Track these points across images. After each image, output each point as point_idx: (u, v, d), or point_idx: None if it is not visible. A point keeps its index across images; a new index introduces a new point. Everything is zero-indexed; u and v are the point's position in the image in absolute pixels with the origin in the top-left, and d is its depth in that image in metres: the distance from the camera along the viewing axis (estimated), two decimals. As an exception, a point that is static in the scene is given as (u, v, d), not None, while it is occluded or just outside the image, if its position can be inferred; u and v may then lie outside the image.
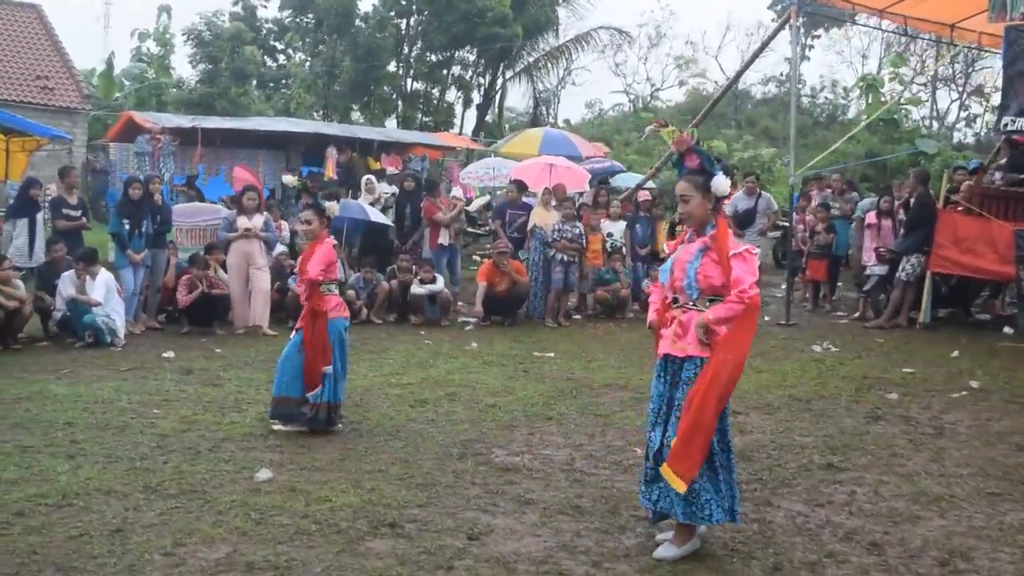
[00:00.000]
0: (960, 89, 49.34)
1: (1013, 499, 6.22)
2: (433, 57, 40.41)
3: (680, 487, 4.98)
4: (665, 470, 5.08)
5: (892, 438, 7.68)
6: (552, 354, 11.18)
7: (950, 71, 48.13)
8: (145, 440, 7.33)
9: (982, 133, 47.26)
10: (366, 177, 16.27)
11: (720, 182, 5.21)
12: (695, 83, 55.41)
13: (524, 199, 15.15)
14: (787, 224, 15.93)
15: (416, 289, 13.38)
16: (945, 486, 6.48)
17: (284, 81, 43.11)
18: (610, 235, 14.47)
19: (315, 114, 39.23)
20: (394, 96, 41.25)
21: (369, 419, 8.15)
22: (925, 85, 48.88)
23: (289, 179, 9.37)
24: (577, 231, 13.71)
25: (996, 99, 30.14)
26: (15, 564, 4.90)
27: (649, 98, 56.62)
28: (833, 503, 6.13)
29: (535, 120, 44.42)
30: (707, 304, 5.14)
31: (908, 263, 13.10)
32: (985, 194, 13.35)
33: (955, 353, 11.25)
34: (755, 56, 15.44)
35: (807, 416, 8.38)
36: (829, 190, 16.32)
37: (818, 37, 52.06)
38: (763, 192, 15.78)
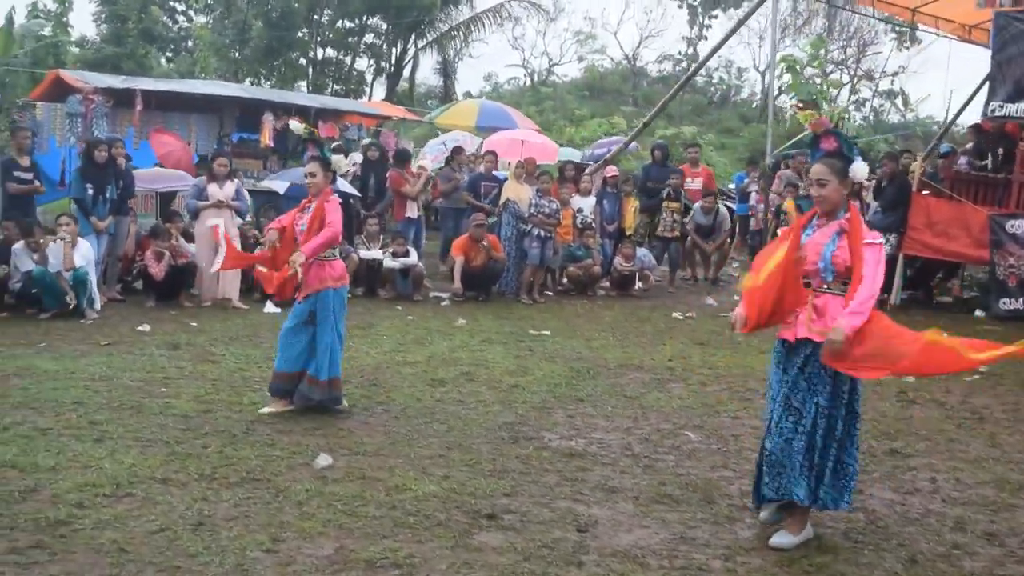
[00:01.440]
0: (851, 73, 50.19)
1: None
2: (346, 24, 39.56)
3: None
4: None
5: (938, 423, 7.62)
6: (547, 332, 10.89)
7: (843, 55, 49.10)
8: (170, 422, 6.84)
9: (871, 117, 48.44)
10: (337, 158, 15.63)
11: (859, 168, 5.11)
12: (593, 59, 55.31)
13: (494, 172, 14.77)
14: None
15: (389, 263, 12.94)
16: (1020, 472, 6.41)
17: (185, 44, 41.69)
18: (580, 211, 14.21)
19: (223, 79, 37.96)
20: (304, 63, 40.29)
21: (394, 400, 7.76)
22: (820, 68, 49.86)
23: (296, 125, 8.81)
24: (554, 206, 13.42)
25: (884, 84, 30.70)
26: (107, 565, 4.45)
27: (546, 73, 56.34)
28: (920, 491, 6.01)
29: (446, 92, 43.91)
30: (842, 287, 4.96)
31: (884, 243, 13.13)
32: (956, 179, 13.49)
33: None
34: (724, 40, 15.22)
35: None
36: (788, 169, 16.33)
37: (715, 17, 52.43)
38: (720, 208, 15.81)
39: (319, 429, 6.86)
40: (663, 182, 15.48)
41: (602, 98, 50.90)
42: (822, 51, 36.30)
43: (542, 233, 13.25)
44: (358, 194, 14.47)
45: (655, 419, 7.50)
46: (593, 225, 14.26)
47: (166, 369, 8.51)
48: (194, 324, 10.70)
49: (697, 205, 15.57)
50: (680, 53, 54.38)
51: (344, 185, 13.84)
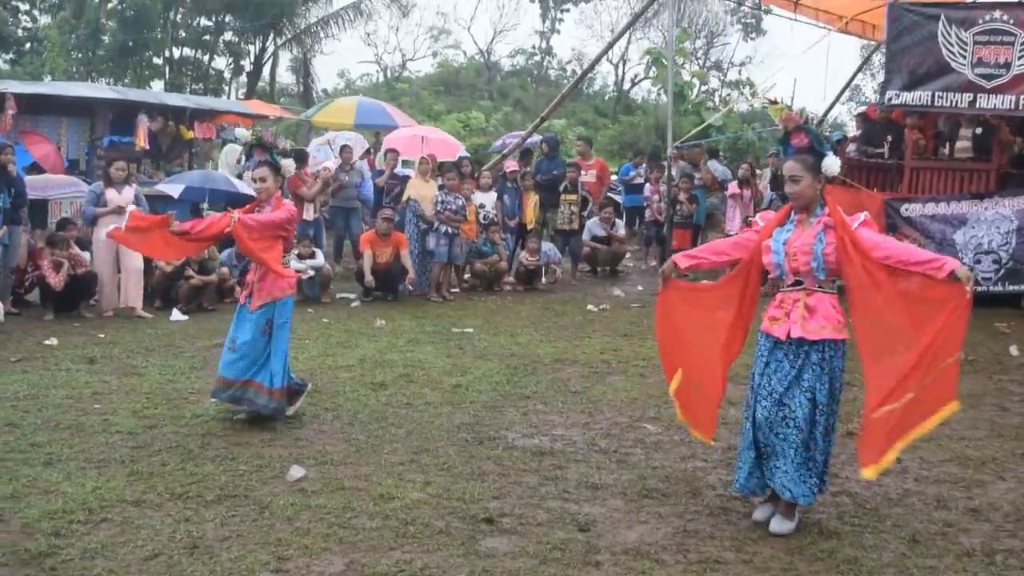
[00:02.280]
0: (700, 63, 51.22)
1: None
2: (203, 22, 38.58)
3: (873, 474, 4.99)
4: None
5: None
6: (470, 329, 10.80)
7: (692, 47, 50.23)
8: (116, 440, 6.53)
9: (720, 107, 49.57)
10: (231, 147, 15.20)
11: (831, 163, 5.12)
12: (448, 54, 55.18)
13: (396, 171, 14.58)
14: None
15: (296, 264, 12.60)
16: (976, 448, 6.63)
17: (29, 45, 39.92)
18: (482, 206, 14.12)
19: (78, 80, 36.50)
20: (160, 63, 39.14)
21: (341, 406, 7.58)
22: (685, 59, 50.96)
23: (242, 132, 8.50)
24: (460, 203, 13.31)
25: (732, 74, 31.53)
26: (113, 596, 4.19)
27: (400, 69, 55.93)
28: (890, 471, 6.10)
29: (307, 89, 43.29)
30: (831, 285, 5.11)
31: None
32: (848, 165, 13.90)
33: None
34: (623, 30, 15.33)
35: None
36: (683, 160, 16.58)
37: (567, 11, 53.04)
38: (618, 220, 16.07)
39: (276, 440, 6.66)
40: (549, 174, 15.56)
41: (457, 93, 50.90)
42: (687, 43, 37.20)
43: (449, 230, 13.13)
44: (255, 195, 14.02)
45: (609, 413, 7.51)
46: (496, 221, 14.19)
47: (91, 384, 8.10)
48: (102, 335, 10.23)
49: (594, 221, 15.66)
50: (534, 47, 54.70)
51: (246, 188, 13.45)
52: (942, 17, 12.12)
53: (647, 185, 16.90)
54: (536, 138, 17.34)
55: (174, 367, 8.81)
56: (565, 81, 54.44)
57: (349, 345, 9.89)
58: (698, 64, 50.28)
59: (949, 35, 12.06)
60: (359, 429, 6.94)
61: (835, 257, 4.99)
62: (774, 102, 5.09)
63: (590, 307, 12.54)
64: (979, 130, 13.17)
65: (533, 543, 4.88)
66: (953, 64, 12.07)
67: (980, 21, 11.98)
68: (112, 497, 5.42)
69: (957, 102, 12.19)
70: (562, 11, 53.20)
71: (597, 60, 16.58)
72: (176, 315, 11.31)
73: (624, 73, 52.86)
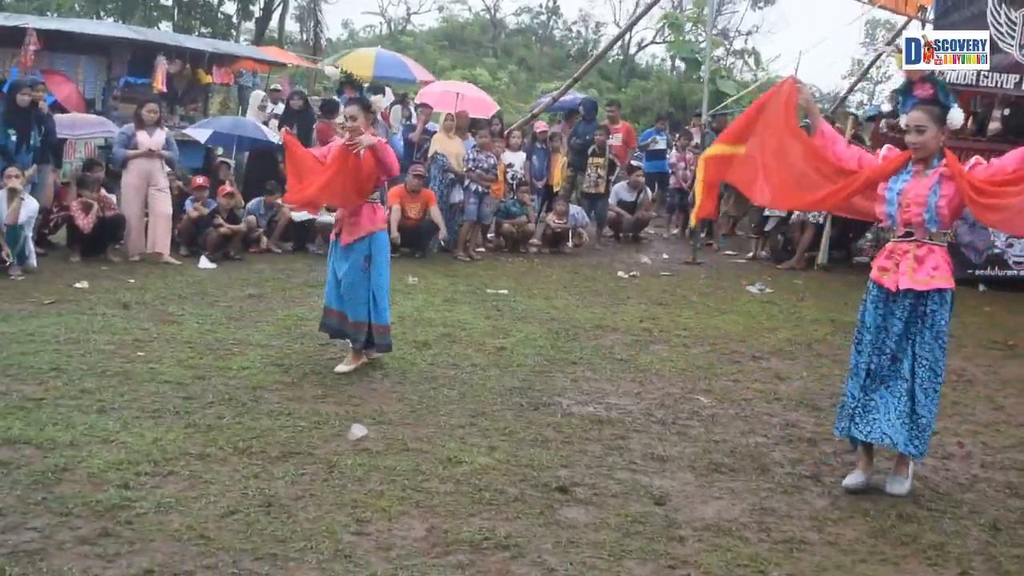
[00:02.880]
0: (712, 32, 50.81)
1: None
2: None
3: None
4: None
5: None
6: (504, 291, 10.68)
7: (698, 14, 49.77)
8: (168, 391, 6.42)
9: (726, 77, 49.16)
10: (257, 93, 14.97)
11: (956, 115, 5.06)
12: (455, 10, 54.63)
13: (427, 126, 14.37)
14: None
15: (323, 217, 12.46)
16: (1035, 435, 6.57)
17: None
18: (511, 166, 13.98)
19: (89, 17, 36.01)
20: (169, 3, 38.66)
21: (387, 364, 7.46)
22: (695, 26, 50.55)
23: (331, 71, 8.30)
24: (492, 161, 13.15)
25: (739, 43, 30.88)
26: (197, 554, 4.10)
27: (404, 22, 55.41)
28: (954, 456, 6.08)
29: (316, 38, 42.84)
30: (942, 237, 5.12)
31: (814, 205, 13.34)
32: (882, 141, 13.75)
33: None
34: (647, 9, 15.06)
35: (826, 361, 8.36)
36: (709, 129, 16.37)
37: None
38: (646, 187, 15.88)
39: (329, 396, 6.55)
40: (583, 138, 15.48)
41: (462, 49, 50.50)
42: (705, 10, 36.77)
43: (479, 189, 12.98)
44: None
45: (659, 383, 7.41)
46: (526, 181, 14.03)
47: (130, 331, 7.99)
48: (132, 280, 10.10)
49: (621, 185, 15.51)
50: (540, 6, 54.15)
51: (276, 137, 13.27)
52: (992, -5, 11.95)
53: (672, 152, 16.73)
54: (574, 99, 17.15)
55: (211, 316, 8.70)
56: (570, 42, 54.06)
57: (385, 301, 9.75)
58: (707, 32, 49.70)
59: (999, 14, 11.89)
60: (411, 389, 6.83)
61: (953, 206, 4.97)
62: (900, 51, 4.97)
63: (620, 273, 12.43)
64: (1007, 111, 13.05)
65: (612, 515, 4.79)
66: (1001, 44, 11.90)
67: (1031, 0, 11.82)
68: (174, 449, 5.31)
69: (1004, 82, 12.05)
70: (574, -26, 52.69)
71: (638, 19, 16.18)
72: (204, 263, 11.18)
73: (631, 37, 52.34)
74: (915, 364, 5.05)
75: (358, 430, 5.78)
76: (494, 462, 5.43)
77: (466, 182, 12.96)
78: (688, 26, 35.69)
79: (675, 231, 16.55)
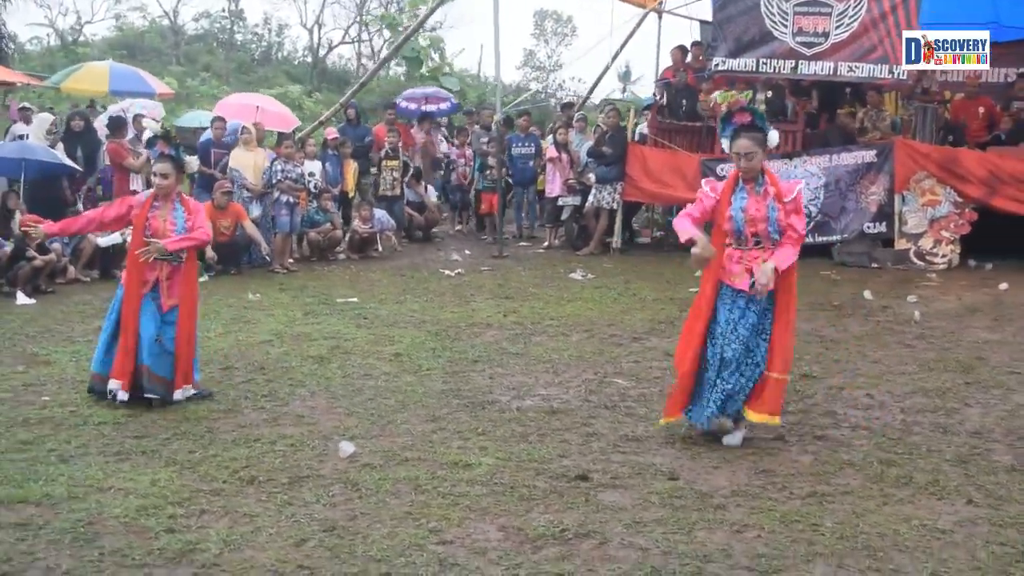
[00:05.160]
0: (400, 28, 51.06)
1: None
2: None
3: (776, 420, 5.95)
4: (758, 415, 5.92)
5: (803, 348, 8.40)
6: (354, 299, 10.66)
7: (387, 12, 50.25)
8: (111, 432, 6.20)
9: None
10: (45, 116, 13.95)
11: (774, 136, 5.91)
12: (132, 17, 52.15)
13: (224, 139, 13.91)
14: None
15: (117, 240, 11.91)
16: (919, 380, 7.40)
17: None
18: (311, 175, 13.83)
19: None
20: None
21: (300, 381, 7.40)
22: (367, 25, 50.98)
23: (151, 123, 7.93)
24: (299, 171, 13.01)
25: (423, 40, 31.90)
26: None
27: (75, 32, 52.36)
28: (873, 406, 6.79)
29: (2, 54, 39.93)
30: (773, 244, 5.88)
31: (606, 192, 14.08)
32: (660, 128, 14.70)
33: (698, 273, 12.31)
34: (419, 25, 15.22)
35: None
36: (478, 127, 16.82)
37: None
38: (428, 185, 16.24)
39: (278, 419, 6.48)
40: (361, 141, 15.62)
41: (142, 58, 48.44)
42: (421, 8, 37.24)
43: (290, 199, 12.82)
44: (80, 168, 13.02)
45: (569, 372, 7.74)
46: (327, 188, 13.95)
47: (11, 376, 7.46)
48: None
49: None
50: (223, 10, 52.77)
51: (63, 158, 12.50)
52: (763, -12, 13.07)
53: (452, 149, 17.08)
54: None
55: (81, 352, 8.20)
56: (253, 46, 52.68)
57: (247, 320, 9.55)
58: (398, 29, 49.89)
59: (771, 5, 13.02)
60: (348, 402, 6.85)
61: (784, 221, 5.79)
62: (728, 89, 5.55)
63: (446, 272, 12.62)
64: (769, 94, 14.30)
65: (646, 494, 5.11)
66: (775, 32, 13.06)
67: (799, -7, 13.03)
68: (180, 488, 5.17)
69: (780, 68, 13.22)
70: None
71: (415, 30, 16.06)
72: (22, 299, 10.46)
73: (320, 38, 52.07)
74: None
75: (347, 447, 5.79)
76: (498, 461, 5.61)
77: (275, 195, 12.76)
78: (403, 25, 36.03)
79: (459, 227, 16.91)
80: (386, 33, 48.84)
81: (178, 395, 6.78)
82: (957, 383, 7.35)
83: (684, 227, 5.82)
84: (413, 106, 18.67)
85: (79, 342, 8.61)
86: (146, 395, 6.68)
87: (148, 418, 6.44)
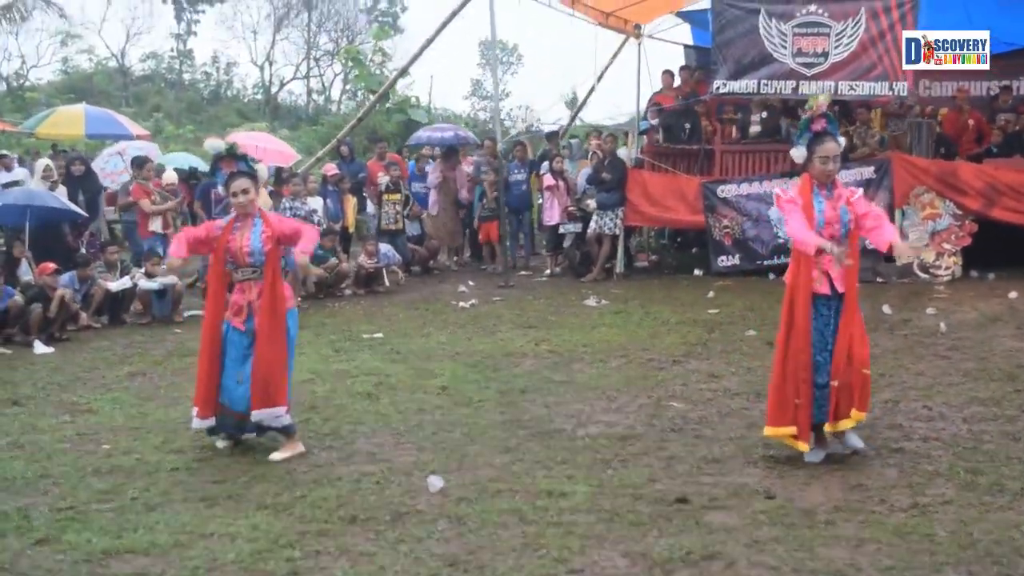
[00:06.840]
0: (343, 61, 50.95)
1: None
2: None
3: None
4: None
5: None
6: (379, 334, 10.63)
7: (334, 46, 50.26)
8: (184, 477, 6.12)
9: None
10: (43, 162, 13.78)
11: (841, 143, 6.18)
12: (81, 60, 51.61)
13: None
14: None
15: (145, 284, 11.84)
16: (974, 391, 7.52)
17: None
18: (314, 211, 13.80)
19: None
20: None
21: (357, 418, 7.35)
22: (317, 60, 51.10)
23: (214, 143, 7.74)
24: (308, 208, 13.00)
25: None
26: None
27: (21, 77, 51.64)
28: (932, 418, 6.89)
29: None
30: None
31: (608, 218, 14.19)
32: (657, 153, 14.84)
33: (710, 294, 12.50)
34: (437, 31, 15.30)
35: (735, 356, 9.06)
36: (478, 156, 16.88)
37: (203, 12, 51.63)
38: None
39: (350, 457, 6.44)
40: (355, 177, 15.68)
41: (91, 101, 47.90)
42: (385, 42, 37.39)
43: (298, 237, 12.77)
44: (84, 213, 12.90)
45: (622, 398, 7.78)
46: (331, 225, 13.94)
47: (58, 428, 7.34)
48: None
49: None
50: (172, 50, 52.47)
51: (73, 206, 12.39)
52: (762, 11, 13.29)
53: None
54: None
55: (121, 399, 8.15)
56: (201, 85, 52.39)
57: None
58: (340, 61, 49.45)
59: (770, 27, 13.24)
60: (414, 437, 6.84)
61: (852, 223, 5.99)
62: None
63: (462, 304, 12.62)
64: (764, 114, 14.51)
65: (752, 514, 5.15)
66: (775, 54, 13.28)
67: (798, 14, 13.27)
68: (284, 530, 5.14)
69: (781, 89, 13.43)
70: (197, 12, 51.41)
71: (413, 60, 16.06)
72: (40, 347, 10.32)
73: (272, 75, 51.97)
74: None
75: (436, 481, 5.76)
76: (592, 488, 5.63)
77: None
78: (368, 59, 36.14)
79: (456, 257, 16.94)
80: (336, 67, 49.46)
81: (256, 416, 6.46)
82: (1007, 391, 7.51)
83: (809, 238, 5.85)
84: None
85: (115, 389, 8.54)
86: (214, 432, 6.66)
87: (220, 462, 6.39)
